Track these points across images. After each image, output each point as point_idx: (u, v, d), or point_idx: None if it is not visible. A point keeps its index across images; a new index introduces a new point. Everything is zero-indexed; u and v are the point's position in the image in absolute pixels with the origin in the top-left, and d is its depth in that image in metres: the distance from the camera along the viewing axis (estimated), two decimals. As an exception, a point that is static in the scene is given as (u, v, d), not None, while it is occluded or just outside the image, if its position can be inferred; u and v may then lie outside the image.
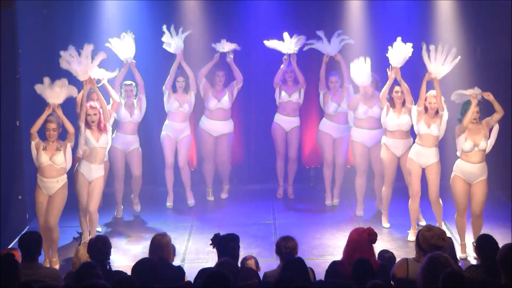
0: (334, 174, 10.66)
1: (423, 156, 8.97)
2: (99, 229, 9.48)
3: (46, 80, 8.54)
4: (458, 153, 8.63)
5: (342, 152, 10.48)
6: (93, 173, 8.86)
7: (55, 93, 8.51)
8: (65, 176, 8.56)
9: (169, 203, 10.65)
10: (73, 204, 9.07)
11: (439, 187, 9.03)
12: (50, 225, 8.40)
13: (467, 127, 8.46)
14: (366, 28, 11.25)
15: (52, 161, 8.42)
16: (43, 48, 10.77)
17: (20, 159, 9.67)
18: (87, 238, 8.61)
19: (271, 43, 10.54)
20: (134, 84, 10.12)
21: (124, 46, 9.99)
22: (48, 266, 8.18)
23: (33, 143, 8.44)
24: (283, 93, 10.70)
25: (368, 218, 10.03)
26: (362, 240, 6.10)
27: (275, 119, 10.88)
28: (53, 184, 8.44)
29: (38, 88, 8.53)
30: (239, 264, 6.40)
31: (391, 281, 6.01)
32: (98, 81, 9.18)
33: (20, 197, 9.63)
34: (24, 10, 9.80)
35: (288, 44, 10.46)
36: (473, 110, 8.41)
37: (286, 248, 6.22)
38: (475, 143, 8.45)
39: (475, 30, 11.09)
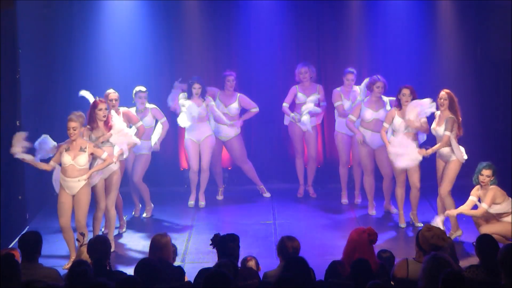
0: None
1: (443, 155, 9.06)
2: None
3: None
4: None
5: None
6: (106, 170, 8.78)
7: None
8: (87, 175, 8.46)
9: (191, 202, 10.67)
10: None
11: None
12: (80, 224, 8.35)
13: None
14: (366, 28, 11.25)
15: (75, 161, 8.36)
16: (43, 48, 10.77)
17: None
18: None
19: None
20: (145, 89, 9.93)
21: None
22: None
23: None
24: (299, 94, 10.61)
25: (379, 217, 10.06)
26: (362, 240, 6.11)
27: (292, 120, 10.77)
28: (75, 183, 8.37)
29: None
30: (239, 265, 6.40)
31: (391, 281, 6.01)
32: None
33: (20, 197, 9.63)
34: (24, 10, 9.80)
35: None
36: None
37: (293, 248, 6.22)
38: (487, 203, 8.55)
39: (475, 30, 11.09)
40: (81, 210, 8.41)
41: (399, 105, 9.34)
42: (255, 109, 10.76)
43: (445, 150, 8.99)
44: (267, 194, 10.98)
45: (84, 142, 8.45)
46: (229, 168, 11.54)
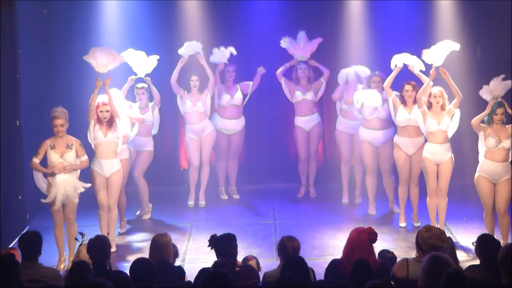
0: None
1: (438, 153, 8.98)
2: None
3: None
4: (480, 154, 8.64)
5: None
6: (107, 169, 8.82)
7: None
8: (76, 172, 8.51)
9: (191, 202, 10.68)
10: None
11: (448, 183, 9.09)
12: (69, 220, 8.46)
13: (489, 127, 8.54)
14: (366, 28, 11.26)
15: (64, 159, 8.37)
16: (43, 48, 10.77)
17: (20, 159, 9.66)
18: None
19: (285, 44, 10.55)
20: (146, 86, 10.01)
21: (142, 62, 9.82)
22: (62, 265, 8.35)
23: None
24: (297, 92, 10.68)
25: (379, 216, 10.08)
26: (361, 239, 6.11)
27: (295, 123, 10.82)
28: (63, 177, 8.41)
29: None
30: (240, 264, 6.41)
31: (391, 281, 6.01)
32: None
33: (20, 197, 9.63)
34: (24, 10, 9.81)
35: (300, 52, 10.56)
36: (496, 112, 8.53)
37: (293, 248, 6.22)
38: (499, 140, 8.47)
39: (475, 30, 11.10)
40: (70, 206, 8.45)
41: (403, 101, 9.38)
42: (256, 80, 10.74)
43: (439, 150, 8.97)
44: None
45: (71, 138, 8.49)
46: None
